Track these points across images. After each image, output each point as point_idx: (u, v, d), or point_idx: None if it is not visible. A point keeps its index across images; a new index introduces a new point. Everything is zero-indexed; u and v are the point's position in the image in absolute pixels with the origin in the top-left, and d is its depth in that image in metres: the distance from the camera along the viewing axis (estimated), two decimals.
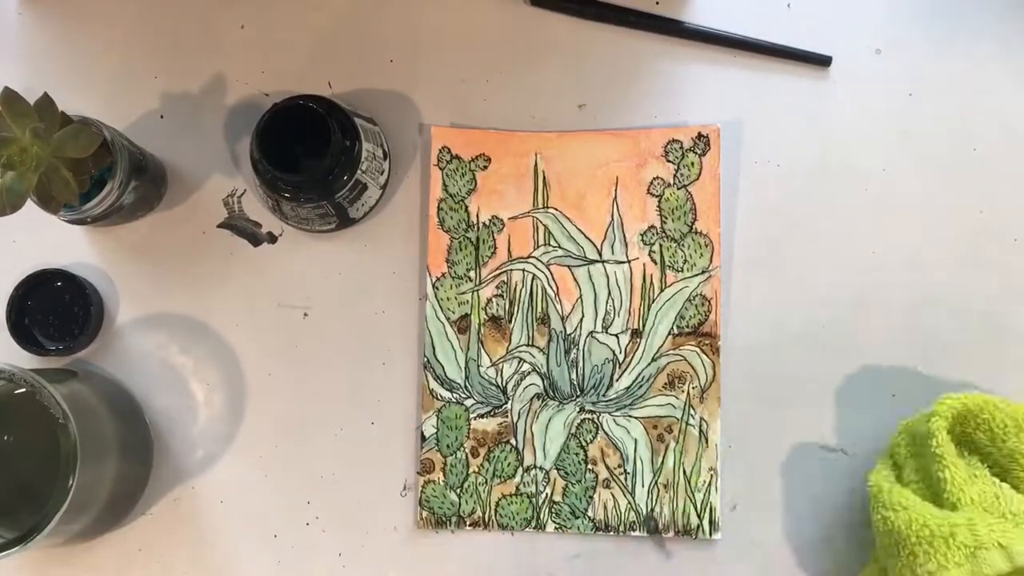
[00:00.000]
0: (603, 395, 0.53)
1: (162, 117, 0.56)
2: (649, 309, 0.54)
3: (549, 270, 0.54)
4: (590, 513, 0.53)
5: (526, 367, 0.54)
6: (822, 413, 0.53)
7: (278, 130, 0.50)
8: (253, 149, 0.49)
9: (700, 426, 0.53)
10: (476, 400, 0.54)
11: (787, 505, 0.53)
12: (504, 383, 0.54)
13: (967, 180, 0.54)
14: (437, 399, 0.54)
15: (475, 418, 0.53)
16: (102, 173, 0.50)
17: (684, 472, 0.53)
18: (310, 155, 0.51)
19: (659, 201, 0.54)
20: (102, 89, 0.56)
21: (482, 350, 0.54)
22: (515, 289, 0.54)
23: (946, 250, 0.54)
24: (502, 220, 0.55)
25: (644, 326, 0.54)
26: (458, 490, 0.53)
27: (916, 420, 0.49)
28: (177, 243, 0.56)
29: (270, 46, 0.57)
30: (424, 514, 0.53)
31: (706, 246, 0.54)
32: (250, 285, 0.55)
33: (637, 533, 0.52)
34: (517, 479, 0.53)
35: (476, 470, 0.53)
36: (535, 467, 0.53)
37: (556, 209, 0.55)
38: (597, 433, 0.53)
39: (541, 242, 0.54)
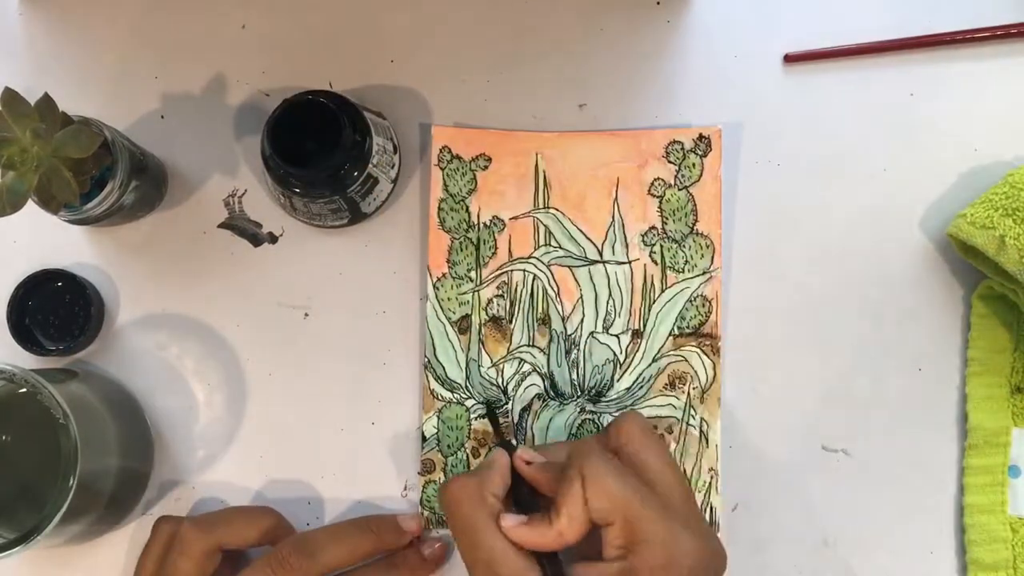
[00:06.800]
0: (604, 395, 0.53)
1: (163, 117, 0.56)
2: (650, 310, 0.54)
3: (550, 270, 0.54)
4: None
5: (527, 367, 0.54)
6: (822, 413, 0.53)
7: (288, 126, 0.50)
8: (264, 145, 0.49)
9: (700, 427, 0.53)
10: (477, 400, 0.54)
11: (787, 505, 0.53)
12: (505, 383, 0.54)
13: (968, 180, 0.54)
14: (438, 399, 0.54)
15: (476, 418, 0.53)
16: (103, 173, 0.50)
17: (684, 472, 0.53)
18: (320, 151, 0.51)
19: (660, 202, 0.54)
20: (103, 89, 0.56)
21: (483, 350, 0.54)
22: (516, 289, 0.54)
23: (948, 251, 0.54)
24: (503, 220, 0.55)
25: (645, 327, 0.54)
26: None
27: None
28: (178, 243, 0.56)
29: (271, 46, 0.57)
30: (425, 514, 0.53)
31: (707, 247, 0.54)
32: (251, 285, 0.55)
33: None
34: None
35: None
36: None
37: (557, 209, 0.55)
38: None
39: (542, 242, 0.54)
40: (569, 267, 0.54)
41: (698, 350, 0.53)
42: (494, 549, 0.44)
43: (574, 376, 0.54)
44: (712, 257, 0.54)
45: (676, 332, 0.54)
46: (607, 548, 0.43)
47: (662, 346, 0.53)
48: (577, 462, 0.44)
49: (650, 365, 0.53)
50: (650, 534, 0.42)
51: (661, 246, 0.54)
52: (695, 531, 0.44)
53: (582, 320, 0.54)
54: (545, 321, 0.54)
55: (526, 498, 0.47)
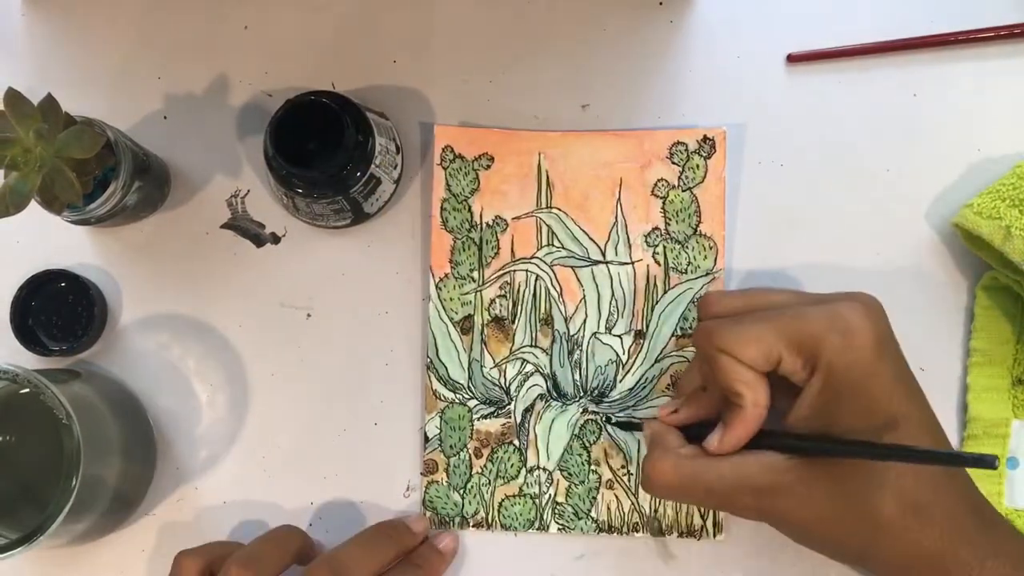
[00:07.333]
0: (607, 396, 0.53)
1: (165, 118, 0.56)
2: (652, 311, 0.54)
3: (552, 271, 0.54)
4: (593, 514, 0.53)
5: (529, 368, 0.54)
6: None
7: (291, 126, 0.50)
8: (267, 146, 0.49)
9: None
10: (479, 401, 0.54)
11: None
12: (507, 384, 0.54)
13: (971, 181, 0.54)
14: (440, 400, 0.54)
15: (478, 419, 0.53)
16: (106, 174, 0.50)
17: None
18: (323, 151, 0.51)
19: (663, 203, 0.54)
20: (105, 90, 0.56)
21: (485, 351, 0.54)
22: (518, 290, 0.54)
23: (950, 251, 0.54)
24: (505, 220, 0.55)
25: (647, 327, 0.54)
26: (461, 491, 0.53)
27: None
28: (180, 244, 0.56)
29: (273, 47, 0.57)
30: (427, 515, 0.53)
31: (710, 248, 0.54)
32: (253, 286, 0.55)
33: (640, 534, 0.52)
34: (520, 480, 0.53)
35: (479, 471, 0.53)
36: (538, 468, 0.53)
37: (560, 209, 0.55)
38: (600, 434, 0.53)
39: (544, 242, 0.54)
40: (572, 267, 0.54)
41: None
42: (723, 478, 0.44)
43: (577, 377, 0.54)
44: (715, 258, 0.54)
45: (679, 333, 0.53)
46: (794, 378, 0.44)
47: (665, 347, 0.53)
48: (709, 349, 0.44)
49: (653, 366, 0.53)
50: (815, 330, 0.43)
51: (664, 247, 0.54)
52: (834, 299, 0.45)
53: (585, 320, 0.54)
54: (548, 321, 0.54)
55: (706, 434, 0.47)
